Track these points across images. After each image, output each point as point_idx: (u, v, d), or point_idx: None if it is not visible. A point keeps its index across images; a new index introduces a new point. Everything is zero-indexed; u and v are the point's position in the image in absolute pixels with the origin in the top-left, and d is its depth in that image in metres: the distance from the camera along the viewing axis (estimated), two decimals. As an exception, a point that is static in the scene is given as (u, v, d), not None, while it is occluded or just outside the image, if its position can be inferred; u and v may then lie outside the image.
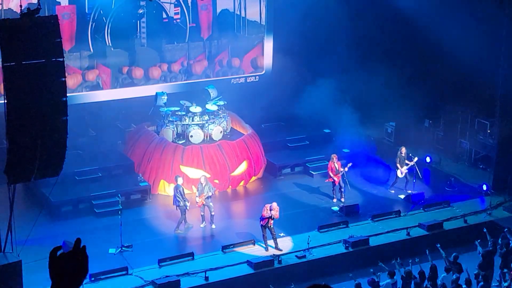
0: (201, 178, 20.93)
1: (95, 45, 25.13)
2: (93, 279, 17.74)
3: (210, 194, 20.56)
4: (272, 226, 19.51)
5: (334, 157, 22.56)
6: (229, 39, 27.32)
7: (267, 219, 19.38)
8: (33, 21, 15.34)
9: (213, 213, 20.66)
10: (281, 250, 19.57)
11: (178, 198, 20.31)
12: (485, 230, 18.94)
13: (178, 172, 22.53)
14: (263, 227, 19.53)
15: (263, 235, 19.64)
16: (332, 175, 22.46)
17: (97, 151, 24.03)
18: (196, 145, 23.09)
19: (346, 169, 22.45)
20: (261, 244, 19.76)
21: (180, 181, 20.51)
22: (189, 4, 26.50)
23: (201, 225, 20.80)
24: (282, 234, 20.25)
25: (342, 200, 22.58)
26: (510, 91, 22.66)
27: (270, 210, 19.37)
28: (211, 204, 20.63)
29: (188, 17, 26.60)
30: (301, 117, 26.75)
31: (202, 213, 20.70)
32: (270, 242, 19.67)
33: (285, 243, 19.91)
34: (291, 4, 26.76)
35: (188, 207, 20.38)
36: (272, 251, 19.48)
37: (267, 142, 25.09)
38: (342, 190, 22.54)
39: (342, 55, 26.46)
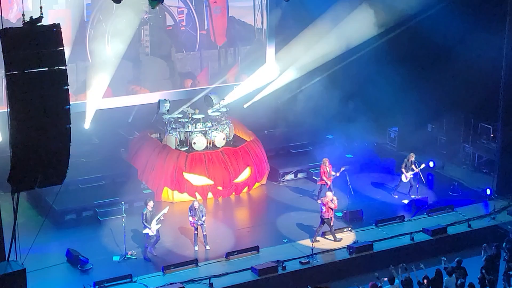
0: (194, 203, 20.07)
1: (94, 55, 23.93)
2: (97, 287, 17.73)
3: (203, 219, 19.82)
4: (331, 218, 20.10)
5: (326, 161, 22.66)
6: (249, 47, 27.09)
7: (331, 210, 19.99)
8: (36, 30, 15.39)
9: (205, 233, 19.98)
10: (340, 240, 20.12)
11: (143, 223, 19.61)
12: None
13: (182, 179, 22.54)
14: (328, 219, 20.01)
15: (320, 227, 20.17)
16: (325, 179, 22.55)
17: (100, 159, 24.06)
18: (199, 152, 23.11)
19: (338, 174, 22.50)
20: (264, 251, 19.75)
21: (150, 205, 19.62)
22: (193, 9, 26.04)
23: (195, 248, 20.03)
24: (285, 241, 20.25)
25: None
26: (512, 95, 22.69)
27: (331, 200, 19.96)
28: (205, 226, 19.95)
29: (199, 23, 26.06)
30: (304, 123, 26.80)
31: (196, 232, 20.03)
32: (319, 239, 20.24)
33: (289, 249, 19.90)
34: (292, 10, 26.78)
35: (151, 232, 19.50)
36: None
37: (270, 149, 25.11)
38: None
39: (344, 60, 26.44)
